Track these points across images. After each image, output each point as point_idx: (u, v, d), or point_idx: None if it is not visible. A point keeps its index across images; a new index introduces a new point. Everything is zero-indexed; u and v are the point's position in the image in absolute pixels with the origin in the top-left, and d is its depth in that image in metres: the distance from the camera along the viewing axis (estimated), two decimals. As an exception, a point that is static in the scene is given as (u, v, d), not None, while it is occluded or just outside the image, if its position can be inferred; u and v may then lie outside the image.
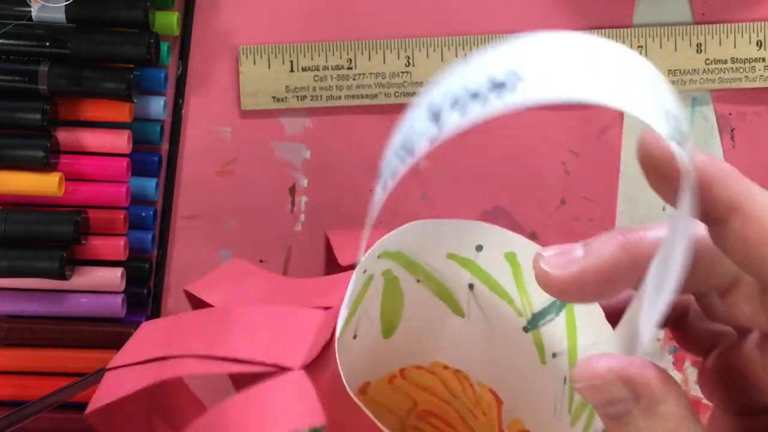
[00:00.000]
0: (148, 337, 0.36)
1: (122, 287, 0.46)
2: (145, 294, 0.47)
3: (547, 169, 0.48)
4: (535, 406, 0.35)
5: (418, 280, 0.35)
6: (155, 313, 0.48)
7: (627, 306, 0.27)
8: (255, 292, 0.37)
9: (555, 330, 0.33)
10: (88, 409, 0.33)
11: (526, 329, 0.34)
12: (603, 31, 0.47)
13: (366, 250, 0.31)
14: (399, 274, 0.34)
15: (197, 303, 0.37)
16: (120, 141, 0.45)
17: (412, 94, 0.47)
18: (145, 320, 0.47)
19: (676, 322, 0.29)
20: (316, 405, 0.29)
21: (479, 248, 0.34)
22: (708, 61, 0.47)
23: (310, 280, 0.38)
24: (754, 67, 0.47)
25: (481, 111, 0.22)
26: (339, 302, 0.30)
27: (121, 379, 0.34)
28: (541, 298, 0.33)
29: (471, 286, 0.35)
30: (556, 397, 0.34)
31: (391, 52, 0.47)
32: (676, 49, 0.47)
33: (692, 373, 0.48)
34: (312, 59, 0.47)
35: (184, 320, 0.35)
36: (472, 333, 0.35)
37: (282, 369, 0.31)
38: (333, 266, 0.41)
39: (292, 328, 0.32)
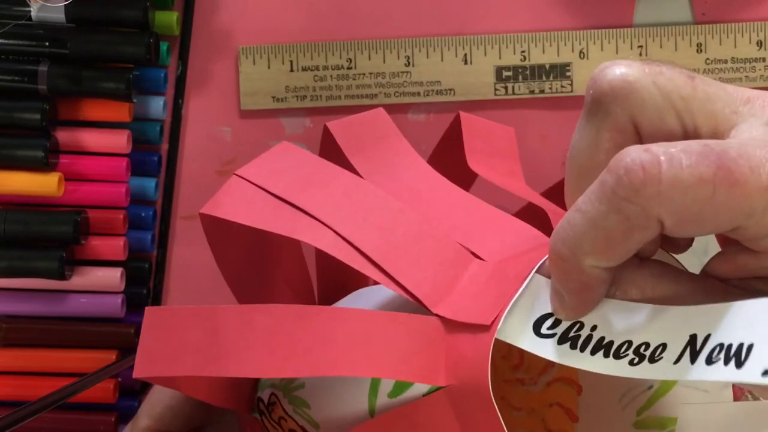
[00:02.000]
0: (289, 166, 0.31)
1: (122, 287, 0.46)
2: (144, 294, 0.47)
3: (547, 169, 0.48)
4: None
5: None
6: (155, 313, 0.48)
7: None
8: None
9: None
10: (204, 209, 0.30)
11: None
12: (603, 31, 0.47)
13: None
14: None
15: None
16: (120, 141, 0.45)
17: (412, 94, 0.47)
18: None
19: None
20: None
21: None
22: (708, 61, 0.47)
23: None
24: (754, 67, 0.47)
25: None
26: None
27: (247, 198, 0.30)
28: None
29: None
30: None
31: (391, 52, 0.47)
32: (676, 49, 0.47)
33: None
34: (312, 59, 0.47)
35: (332, 173, 0.30)
36: None
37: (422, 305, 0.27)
38: None
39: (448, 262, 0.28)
